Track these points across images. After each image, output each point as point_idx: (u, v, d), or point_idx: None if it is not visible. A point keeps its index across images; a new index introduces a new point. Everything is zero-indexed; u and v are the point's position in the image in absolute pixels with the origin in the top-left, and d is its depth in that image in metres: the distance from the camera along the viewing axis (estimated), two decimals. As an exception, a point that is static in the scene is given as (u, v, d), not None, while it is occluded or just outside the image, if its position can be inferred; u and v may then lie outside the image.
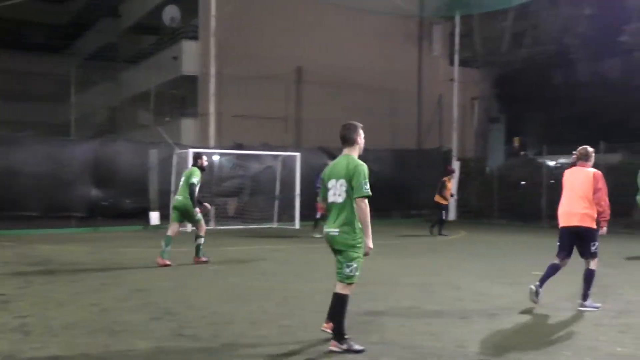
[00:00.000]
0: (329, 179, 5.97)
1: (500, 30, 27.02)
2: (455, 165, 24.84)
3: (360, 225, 5.73)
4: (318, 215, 17.71)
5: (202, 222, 11.87)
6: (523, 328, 6.60)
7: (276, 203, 21.03)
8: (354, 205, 5.71)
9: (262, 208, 20.68)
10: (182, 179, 12.11)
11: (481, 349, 5.80)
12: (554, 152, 25.26)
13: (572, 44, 26.00)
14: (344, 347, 5.69)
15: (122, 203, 20.01)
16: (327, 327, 6.01)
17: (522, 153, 37.51)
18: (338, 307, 5.80)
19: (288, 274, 10.41)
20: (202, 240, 11.75)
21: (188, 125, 27.15)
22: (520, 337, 6.25)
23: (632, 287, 9.33)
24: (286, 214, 20.90)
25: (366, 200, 5.74)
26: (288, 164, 21.20)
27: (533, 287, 7.69)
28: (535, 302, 7.66)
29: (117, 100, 33.88)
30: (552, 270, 7.87)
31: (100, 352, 5.67)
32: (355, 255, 5.73)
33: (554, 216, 23.42)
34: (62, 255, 12.81)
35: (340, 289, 5.82)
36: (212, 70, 21.59)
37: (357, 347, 5.72)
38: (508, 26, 26.77)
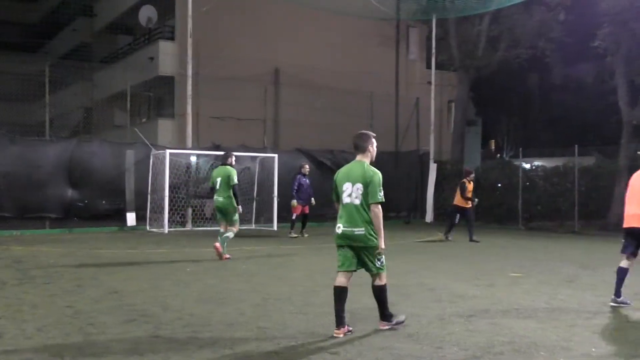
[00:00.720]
0: (344, 182, 6.49)
1: (476, 34, 27.24)
2: (432, 167, 25.00)
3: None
4: (294, 217, 17.74)
5: (238, 222, 12.49)
6: (500, 329, 6.64)
7: (254, 204, 20.97)
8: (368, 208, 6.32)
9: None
10: (218, 179, 12.38)
11: (459, 350, 5.83)
12: (530, 155, 25.56)
13: (547, 48, 26.29)
14: (393, 323, 6.59)
15: (97, 204, 19.84)
16: (339, 333, 6.29)
17: (498, 156, 37.89)
18: (382, 296, 6.56)
19: (266, 275, 10.38)
20: (231, 234, 12.24)
21: (165, 126, 27.00)
22: (496, 337, 6.29)
23: (607, 289, 9.44)
24: (264, 216, 20.87)
25: (380, 206, 6.34)
26: (266, 165, 21.17)
27: (614, 303, 7.87)
28: (627, 304, 7.87)
29: (92, 101, 33.52)
30: (622, 273, 7.98)
31: (74, 354, 5.60)
32: (378, 249, 6.39)
33: (529, 218, 23.80)
34: (36, 256, 12.63)
35: (378, 280, 6.54)
36: (189, 71, 21.46)
37: (401, 318, 6.73)
38: (484, 30, 26.99)
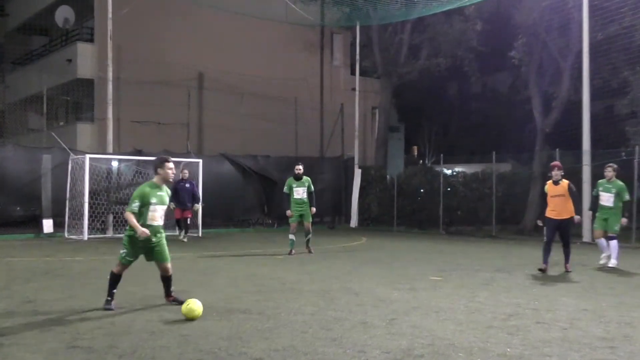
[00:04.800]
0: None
1: (398, 42, 27.80)
2: (357, 173, 25.31)
3: None
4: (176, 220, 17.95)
5: (291, 221, 14.74)
6: (420, 332, 6.79)
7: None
8: None
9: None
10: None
11: (381, 353, 5.92)
12: (451, 161, 26.24)
13: (465, 57, 27.12)
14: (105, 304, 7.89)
15: (11, 210, 19.07)
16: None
17: (420, 162, 38.72)
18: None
19: (187, 282, 10.22)
20: (290, 236, 14.69)
21: (84, 130, 26.23)
22: (417, 340, 6.42)
23: (521, 291, 9.80)
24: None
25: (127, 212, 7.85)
26: (190, 170, 20.87)
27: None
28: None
29: (4, 103, 32.20)
30: None
31: (-15, 368, 5.36)
32: None
33: (450, 223, 24.40)
34: (-56, 266, 12.00)
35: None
36: (110, 74, 20.96)
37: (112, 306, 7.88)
38: (405, 38, 27.57)
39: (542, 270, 11.62)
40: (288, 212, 14.77)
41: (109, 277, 7.95)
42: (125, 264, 7.89)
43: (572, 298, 9.04)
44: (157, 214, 7.81)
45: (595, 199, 12.98)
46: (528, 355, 5.90)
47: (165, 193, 8.00)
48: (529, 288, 10.04)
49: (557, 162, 12.24)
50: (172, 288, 8.17)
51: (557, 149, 19.53)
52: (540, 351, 6.05)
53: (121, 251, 7.86)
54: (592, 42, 19.40)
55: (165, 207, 7.96)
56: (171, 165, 7.96)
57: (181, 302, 7.52)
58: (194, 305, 7.25)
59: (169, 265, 8.04)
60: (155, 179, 7.94)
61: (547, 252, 11.75)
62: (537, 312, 7.95)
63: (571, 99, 22.00)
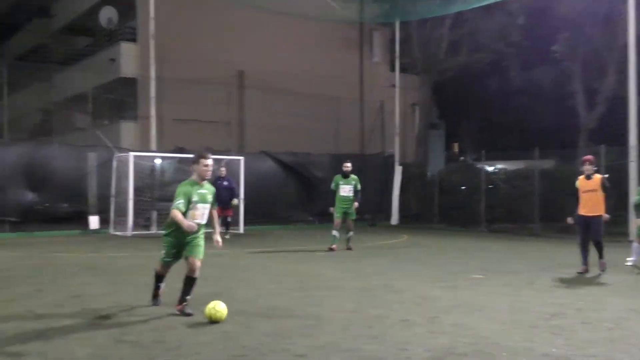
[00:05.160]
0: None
1: (438, 37, 27.56)
2: (398, 170, 25.20)
3: None
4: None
5: (336, 217, 14.88)
6: (463, 330, 6.74)
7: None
8: None
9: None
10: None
11: (423, 351, 5.90)
12: (492, 158, 25.92)
13: (507, 52, 26.72)
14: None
15: (59, 207, 19.52)
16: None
17: (461, 158, 38.34)
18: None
19: (232, 279, 10.34)
20: (334, 232, 14.88)
21: (128, 129, 26.65)
22: (459, 338, 6.38)
23: (565, 290, 9.65)
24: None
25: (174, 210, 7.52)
26: (232, 168, 21.08)
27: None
28: None
29: (51, 102, 32.96)
30: None
31: (36, 361, 5.51)
32: None
33: (492, 220, 24.05)
34: (-5, 261, 12.37)
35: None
36: (152, 73, 21.27)
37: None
38: (445, 33, 27.31)
39: (582, 273, 11.09)
40: (331, 209, 14.88)
41: (154, 274, 7.99)
42: (164, 265, 7.82)
43: (619, 298, 8.87)
44: (198, 212, 7.52)
45: (637, 206, 12.24)
46: (573, 356, 5.81)
47: (208, 191, 7.67)
48: (574, 287, 9.88)
49: (589, 156, 11.55)
50: (189, 297, 7.47)
51: (602, 145, 19.11)
52: (586, 352, 5.96)
53: (162, 251, 7.76)
54: (638, 34, 18.91)
55: (207, 205, 7.63)
56: (207, 162, 7.54)
57: (187, 315, 7.27)
58: (219, 307, 7.01)
59: (199, 263, 7.55)
60: (194, 176, 7.62)
61: (584, 252, 11.26)
62: (582, 312, 7.82)
63: (617, 94, 21.50)
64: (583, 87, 22.54)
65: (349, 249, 14.86)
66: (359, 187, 14.98)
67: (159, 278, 7.96)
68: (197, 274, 7.56)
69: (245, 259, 13.24)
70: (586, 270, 11.15)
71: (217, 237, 7.82)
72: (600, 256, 11.35)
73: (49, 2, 33.45)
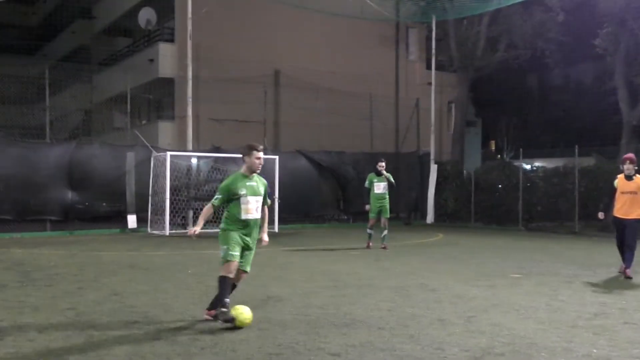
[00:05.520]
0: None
1: (475, 35, 27.27)
2: (433, 169, 25.01)
3: None
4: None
5: (371, 216, 14.95)
6: (500, 330, 6.66)
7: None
8: None
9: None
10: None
11: (460, 351, 5.84)
12: (530, 156, 25.54)
13: (546, 49, 26.30)
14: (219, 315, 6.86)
15: (98, 206, 19.83)
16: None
17: (498, 156, 37.88)
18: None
19: (265, 277, 10.39)
20: (369, 231, 15.09)
21: (165, 128, 27.00)
22: (497, 338, 6.30)
23: (606, 290, 9.46)
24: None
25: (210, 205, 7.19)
26: (267, 167, 21.17)
27: None
28: None
29: (92, 103, 33.53)
30: None
31: (77, 356, 5.61)
32: None
33: (529, 219, 23.72)
34: (37, 259, 12.65)
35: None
36: (189, 73, 21.49)
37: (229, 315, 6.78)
38: (482, 30, 27.02)
39: (623, 272, 10.60)
40: (367, 207, 14.86)
41: (218, 283, 7.01)
42: (231, 260, 6.93)
43: (662, 298, 8.65)
44: (251, 206, 7.06)
45: None
46: (615, 357, 5.69)
47: (259, 183, 7.22)
48: (615, 287, 9.67)
49: (630, 155, 10.86)
50: (227, 301, 6.86)
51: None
52: (629, 352, 5.83)
53: (222, 247, 7.01)
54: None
55: (259, 198, 7.17)
56: (259, 154, 7.18)
57: (215, 319, 6.91)
58: (243, 309, 6.78)
59: (245, 275, 7.31)
60: (243, 169, 7.22)
61: (623, 252, 10.69)
62: (624, 312, 7.66)
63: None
64: (626, 83, 22.05)
65: (384, 247, 14.80)
66: (392, 180, 14.98)
67: (226, 285, 6.96)
68: (239, 282, 7.34)
69: (281, 258, 13.29)
70: (628, 277, 10.49)
71: (265, 236, 7.39)
72: (628, 264, 10.54)
73: (91, 3, 34.05)
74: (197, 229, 6.97)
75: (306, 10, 26.04)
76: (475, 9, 24.70)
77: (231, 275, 6.95)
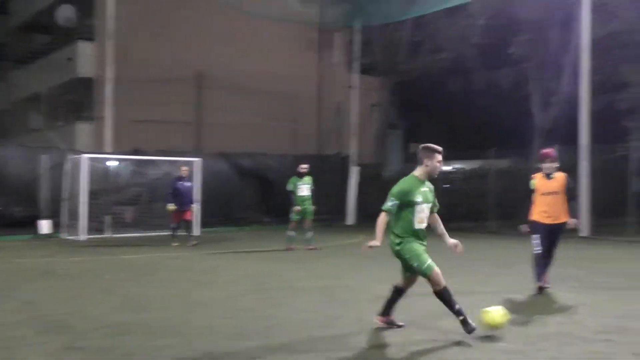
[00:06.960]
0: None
1: (399, 39, 27.72)
2: (354, 171, 25.29)
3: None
4: (173, 225, 16.33)
5: (294, 219, 14.93)
6: (413, 325, 6.77)
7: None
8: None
9: (160, 215, 20.11)
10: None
11: (378, 350, 5.91)
12: (449, 158, 26.17)
13: (468, 53, 26.97)
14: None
15: (11, 211, 19.04)
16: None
17: (418, 158, 38.39)
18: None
19: (187, 281, 10.24)
20: (289, 233, 14.99)
21: (83, 130, 26.24)
22: (417, 333, 6.42)
23: (523, 284, 9.79)
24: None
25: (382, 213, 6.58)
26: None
27: None
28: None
29: (6, 102, 32.24)
30: None
31: (-15, 369, 5.37)
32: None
33: (450, 219, 24.06)
34: (-56, 267, 12.03)
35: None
36: (109, 73, 20.96)
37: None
38: (406, 35, 27.49)
39: (542, 289, 8.94)
40: (297, 208, 14.85)
41: (440, 299, 6.47)
42: (433, 269, 6.42)
43: None
44: (424, 215, 6.52)
45: None
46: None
47: (429, 189, 6.62)
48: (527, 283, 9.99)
49: (549, 150, 9.25)
50: (459, 308, 6.35)
51: (556, 145, 19.49)
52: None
53: (414, 265, 6.49)
54: (592, 37, 19.34)
55: (429, 206, 6.59)
56: (441, 157, 6.50)
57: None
58: (494, 313, 6.36)
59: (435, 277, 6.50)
60: (419, 172, 6.52)
61: (542, 266, 9.01)
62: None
63: (571, 95, 22.01)
64: (540, 89, 22.98)
65: (313, 248, 14.87)
66: (313, 186, 15.17)
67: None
68: (436, 287, 6.49)
69: (204, 262, 13.12)
70: (543, 287, 9.00)
71: (453, 240, 6.68)
72: (544, 273, 9.05)
73: (6, -1, 32.78)
74: (378, 242, 6.46)
75: (231, 11, 25.87)
76: (398, 17, 25.09)
77: (443, 283, 6.39)
